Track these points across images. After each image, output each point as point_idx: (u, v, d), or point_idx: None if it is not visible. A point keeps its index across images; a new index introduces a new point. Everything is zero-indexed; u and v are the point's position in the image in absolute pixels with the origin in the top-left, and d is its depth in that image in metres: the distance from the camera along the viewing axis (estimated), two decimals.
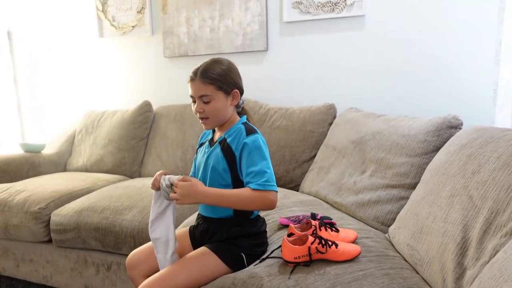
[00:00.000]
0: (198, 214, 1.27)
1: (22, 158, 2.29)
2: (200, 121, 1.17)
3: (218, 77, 1.12)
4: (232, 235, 1.16)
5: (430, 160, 1.32)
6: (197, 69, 1.13)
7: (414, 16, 1.97)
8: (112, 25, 2.66)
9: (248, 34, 2.32)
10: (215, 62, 1.14)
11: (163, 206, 1.15)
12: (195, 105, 1.14)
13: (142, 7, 2.57)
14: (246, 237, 1.17)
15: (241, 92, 1.18)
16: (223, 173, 1.14)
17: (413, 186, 1.35)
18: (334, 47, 2.16)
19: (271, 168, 1.09)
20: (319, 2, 2.13)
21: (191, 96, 1.15)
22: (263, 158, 1.08)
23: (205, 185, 1.16)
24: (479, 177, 0.95)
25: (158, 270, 1.18)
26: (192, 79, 1.13)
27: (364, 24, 2.08)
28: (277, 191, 1.06)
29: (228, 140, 1.14)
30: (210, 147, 1.20)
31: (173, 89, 2.59)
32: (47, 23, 2.83)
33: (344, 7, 2.09)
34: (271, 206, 1.06)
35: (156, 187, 1.13)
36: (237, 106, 1.21)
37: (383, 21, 2.03)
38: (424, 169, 1.32)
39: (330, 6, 2.11)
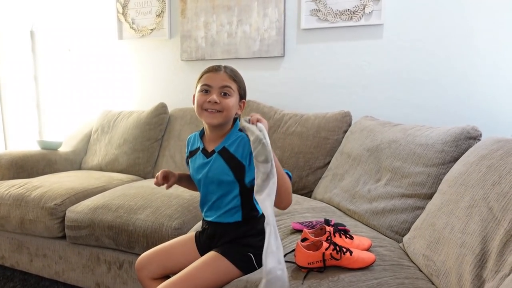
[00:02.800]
0: (203, 220, 1.24)
1: (39, 154, 2.34)
2: (204, 113, 1.09)
3: (240, 79, 1.14)
4: (239, 235, 1.16)
5: (448, 171, 1.30)
6: (218, 65, 1.14)
7: (433, 26, 1.96)
8: (132, 28, 2.71)
9: (265, 40, 2.33)
10: (236, 69, 1.16)
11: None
12: (208, 96, 1.08)
13: (162, 11, 2.61)
14: (253, 237, 1.16)
15: (245, 104, 1.19)
16: (232, 185, 1.11)
17: (429, 196, 1.33)
18: (351, 55, 2.16)
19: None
20: (337, 10, 2.14)
21: (207, 85, 1.09)
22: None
23: (211, 198, 1.15)
24: (500, 188, 0.94)
25: (164, 273, 1.18)
26: (217, 70, 1.10)
27: (382, 33, 2.08)
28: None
29: (231, 150, 1.10)
30: (207, 158, 1.14)
31: (189, 92, 2.62)
32: (69, 23, 2.90)
33: (362, 16, 2.09)
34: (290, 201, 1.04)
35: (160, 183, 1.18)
36: None
37: (402, 30, 2.03)
38: (441, 179, 1.30)
39: (348, 14, 2.12)
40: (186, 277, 1.08)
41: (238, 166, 1.09)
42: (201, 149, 1.17)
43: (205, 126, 1.17)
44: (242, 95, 1.15)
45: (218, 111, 1.09)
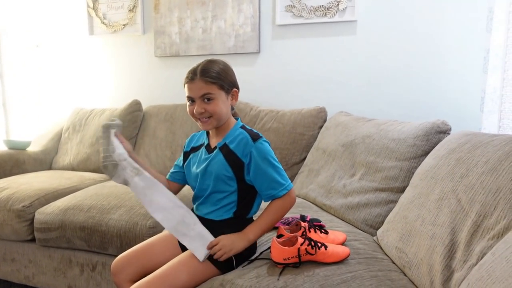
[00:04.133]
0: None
1: (6, 155, 2.24)
2: (199, 122, 1.13)
3: (219, 76, 1.10)
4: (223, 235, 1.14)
5: (419, 164, 1.33)
6: (195, 69, 1.10)
7: (404, 22, 2.00)
8: (103, 23, 2.64)
9: (240, 36, 2.32)
10: (212, 62, 1.12)
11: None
12: (195, 106, 1.10)
13: (134, 6, 2.55)
14: None
15: (238, 90, 1.17)
16: (228, 181, 1.12)
17: (401, 190, 1.36)
18: (325, 51, 2.18)
19: (280, 166, 1.12)
20: (311, 6, 2.15)
21: (189, 97, 1.11)
22: (272, 165, 1.10)
23: (206, 192, 1.15)
24: (467, 181, 0.96)
25: (143, 275, 1.16)
26: (192, 79, 1.09)
27: (356, 29, 2.10)
28: (292, 186, 1.13)
29: (231, 147, 1.11)
30: (208, 154, 1.16)
31: (163, 89, 2.57)
32: (36, 18, 2.79)
33: (336, 12, 2.11)
34: (294, 202, 1.14)
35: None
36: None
37: (375, 27, 2.06)
38: (413, 173, 1.33)
39: (322, 10, 2.13)
40: (161, 276, 1.06)
41: (238, 163, 1.10)
42: (205, 145, 1.19)
43: None
44: (228, 88, 1.12)
45: (209, 117, 1.11)
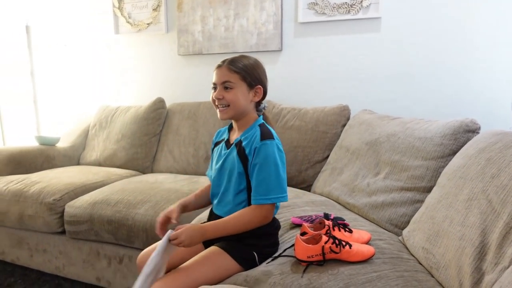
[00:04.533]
0: (211, 211, 1.26)
1: (37, 150, 2.33)
2: (217, 109, 1.15)
3: (244, 68, 1.12)
4: (244, 235, 1.14)
5: (446, 164, 1.31)
6: (226, 59, 1.14)
7: (431, 19, 1.95)
8: (128, 22, 2.69)
9: (262, 34, 2.32)
10: (243, 56, 1.16)
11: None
12: (215, 92, 1.14)
13: (158, 5, 2.59)
14: (258, 238, 1.16)
15: (265, 92, 1.18)
16: (239, 177, 1.13)
17: (428, 190, 1.33)
18: (349, 49, 2.16)
19: (281, 174, 1.07)
20: (334, 3, 2.13)
21: (214, 83, 1.15)
22: (269, 168, 1.07)
23: (221, 189, 1.17)
24: (499, 181, 0.94)
25: (168, 270, 1.18)
26: (219, 66, 1.14)
27: (380, 27, 2.07)
28: (273, 204, 1.08)
29: (243, 143, 1.13)
30: (227, 149, 1.19)
31: (186, 86, 2.61)
32: (65, 18, 2.87)
33: (360, 9, 2.08)
34: (265, 221, 1.09)
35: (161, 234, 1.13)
36: (257, 109, 1.21)
37: (400, 23, 2.02)
38: (440, 172, 1.31)
39: (345, 7, 2.11)
40: (186, 272, 1.07)
41: (245, 159, 1.11)
42: (225, 140, 1.22)
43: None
44: (252, 82, 1.13)
45: (227, 106, 1.13)
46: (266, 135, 1.10)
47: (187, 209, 1.25)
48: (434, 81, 1.99)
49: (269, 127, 1.16)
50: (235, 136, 1.19)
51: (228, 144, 1.20)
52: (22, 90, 2.84)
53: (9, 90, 2.84)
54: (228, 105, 1.12)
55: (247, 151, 1.11)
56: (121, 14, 2.70)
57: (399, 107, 2.06)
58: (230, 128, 1.25)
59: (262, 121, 1.18)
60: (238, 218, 1.08)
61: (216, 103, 1.15)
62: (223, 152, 1.20)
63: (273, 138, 1.10)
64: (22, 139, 2.83)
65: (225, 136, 1.24)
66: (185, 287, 1.05)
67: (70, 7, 2.85)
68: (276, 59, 2.34)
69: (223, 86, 1.12)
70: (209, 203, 1.29)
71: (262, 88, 1.16)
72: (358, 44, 2.13)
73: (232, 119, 1.19)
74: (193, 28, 2.50)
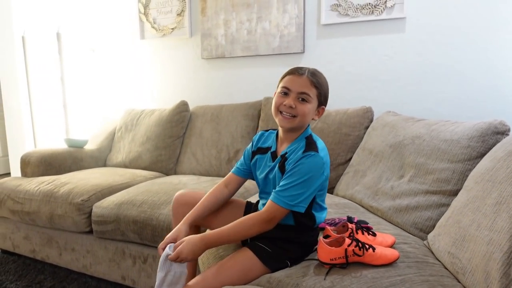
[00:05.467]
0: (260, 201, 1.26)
1: (66, 152, 2.42)
2: (279, 116, 1.10)
3: (323, 86, 1.11)
4: (282, 237, 1.13)
5: (474, 167, 1.27)
6: (302, 68, 1.11)
7: (457, 18, 1.91)
8: (153, 27, 2.76)
9: (285, 36, 2.33)
10: (321, 73, 1.13)
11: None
12: (286, 98, 1.09)
13: (182, 10, 2.64)
14: (295, 244, 1.14)
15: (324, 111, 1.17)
16: None
17: (454, 193, 1.30)
18: (372, 50, 2.13)
19: (309, 189, 1.04)
20: (358, 4, 2.11)
21: (286, 88, 1.10)
22: (298, 177, 1.04)
23: (269, 197, 1.11)
24: None
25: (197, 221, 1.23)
26: (300, 74, 1.09)
27: (404, 27, 2.04)
28: (283, 208, 1.05)
29: (288, 156, 1.11)
30: (272, 161, 1.17)
31: (209, 89, 2.65)
32: (93, 25, 2.98)
33: (384, 9, 2.06)
34: (267, 225, 1.06)
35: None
36: None
37: (425, 23, 1.99)
38: (467, 175, 1.27)
39: (369, 8, 2.09)
40: (215, 274, 1.07)
41: (285, 171, 1.10)
42: (271, 151, 1.19)
43: (279, 127, 1.18)
44: (322, 102, 1.13)
45: (293, 116, 1.09)
46: (310, 146, 1.08)
47: (195, 223, 1.23)
48: (460, 81, 1.94)
49: (316, 138, 1.14)
50: (282, 148, 1.16)
51: (274, 156, 1.18)
52: (52, 95, 2.95)
53: (41, 95, 2.97)
54: (295, 116, 1.09)
55: (287, 164, 1.09)
56: (147, 19, 2.78)
57: (424, 108, 2.02)
58: (277, 136, 1.22)
59: (310, 132, 1.16)
60: (241, 224, 1.06)
61: (282, 109, 1.10)
62: (268, 163, 1.19)
63: (317, 151, 1.07)
64: (52, 142, 2.94)
65: (272, 146, 1.20)
66: None
67: (97, 14, 2.95)
68: (298, 62, 2.34)
69: (299, 96, 1.08)
70: (217, 208, 1.26)
71: (324, 109, 1.16)
72: (382, 45, 2.11)
73: (292, 130, 1.14)
74: (216, 32, 2.54)
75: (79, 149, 2.51)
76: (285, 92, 1.10)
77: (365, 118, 1.93)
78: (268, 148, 1.21)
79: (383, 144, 1.68)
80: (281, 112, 1.11)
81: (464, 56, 1.92)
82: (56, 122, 2.99)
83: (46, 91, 2.98)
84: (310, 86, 1.08)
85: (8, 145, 3.03)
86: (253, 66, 2.47)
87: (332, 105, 2.21)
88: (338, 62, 2.23)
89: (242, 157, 1.30)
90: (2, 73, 2.92)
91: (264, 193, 1.24)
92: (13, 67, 2.85)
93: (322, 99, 1.12)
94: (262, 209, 1.08)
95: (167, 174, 2.41)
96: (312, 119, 1.14)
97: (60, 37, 2.84)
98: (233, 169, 1.31)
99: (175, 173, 2.43)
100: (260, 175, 1.22)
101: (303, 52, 2.30)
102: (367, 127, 1.92)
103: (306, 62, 2.31)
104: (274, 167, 1.15)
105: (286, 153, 1.12)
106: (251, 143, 1.29)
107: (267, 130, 1.29)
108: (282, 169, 1.11)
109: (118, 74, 2.97)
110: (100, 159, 2.60)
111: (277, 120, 1.13)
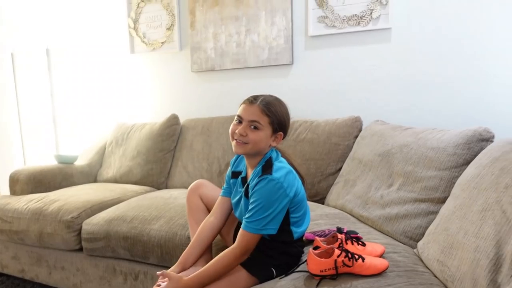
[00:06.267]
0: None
1: (56, 169, 2.40)
2: (234, 142, 1.15)
3: (276, 115, 1.14)
4: (266, 247, 1.17)
5: (460, 174, 1.29)
6: (257, 96, 1.15)
7: (443, 27, 1.95)
8: (143, 42, 2.77)
9: (273, 48, 2.36)
10: (276, 100, 1.17)
11: None
12: (239, 126, 1.14)
13: (172, 24, 2.66)
14: (281, 254, 1.17)
15: (283, 138, 1.20)
16: None
17: (442, 201, 1.31)
18: (360, 60, 2.16)
19: (270, 214, 1.07)
20: (344, 16, 2.15)
21: (239, 116, 1.15)
22: (257, 202, 1.07)
23: (241, 219, 1.17)
24: None
25: (210, 201, 1.34)
26: (251, 102, 1.14)
27: (390, 37, 2.08)
28: (255, 234, 1.09)
29: (249, 181, 1.16)
30: (242, 187, 1.21)
31: (199, 102, 2.66)
32: (82, 40, 2.98)
33: (370, 21, 2.09)
34: (242, 256, 1.10)
35: None
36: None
37: (410, 33, 2.02)
38: (454, 183, 1.29)
39: (355, 19, 2.12)
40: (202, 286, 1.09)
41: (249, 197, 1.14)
42: (242, 176, 1.24)
43: None
44: (277, 128, 1.15)
45: (244, 143, 1.13)
46: (265, 171, 1.11)
47: (187, 266, 1.25)
48: (446, 90, 1.97)
49: (278, 160, 1.15)
50: (250, 171, 1.21)
51: (244, 181, 1.22)
52: (42, 111, 2.94)
53: (30, 112, 2.95)
54: (247, 143, 1.13)
55: (250, 190, 1.13)
56: (136, 34, 2.79)
57: (412, 117, 2.04)
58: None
59: (271, 156, 1.17)
60: (218, 263, 1.10)
61: (236, 137, 1.14)
62: (239, 189, 1.23)
63: (271, 173, 1.09)
64: (42, 158, 2.92)
65: (243, 171, 1.25)
66: None
67: (87, 29, 2.96)
68: (287, 73, 2.36)
69: (250, 124, 1.12)
70: (211, 241, 1.29)
71: (282, 135, 1.18)
72: (369, 55, 2.14)
73: (248, 155, 1.19)
74: (206, 45, 2.56)
75: (69, 165, 2.49)
76: (239, 121, 1.15)
77: (354, 128, 1.95)
78: (239, 173, 1.26)
79: (372, 153, 1.69)
80: (235, 140, 1.15)
81: (450, 64, 1.95)
82: (46, 138, 2.97)
83: (35, 108, 2.97)
84: (261, 114, 1.12)
85: None
86: (243, 78, 2.48)
87: (321, 115, 2.23)
88: (327, 73, 2.25)
89: (225, 180, 1.34)
90: None
91: (239, 216, 1.26)
92: (2, 84, 2.84)
93: (277, 126, 1.15)
94: (235, 243, 1.11)
95: (159, 188, 2.40)
96: (270, 145, 1.17)
97: (49, 53, 2.85)
98: (221, 192, 1.34)
99: (167, 187, 2.42)
100: (233, 200, 1.26)
101: (291, 63, 2.33)
102: (356, 137, 1.94)
103: (295, 73, 2.33)
104: (243, 194, 1.19)
105: (247, 179, 1.17)
106: (230, 166, 1.34)
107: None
108: (246, 196, 1.16)
109: (109, 89, 2.97)
110: (90, 174, 2.58)
111: (232, 146, 1.17)
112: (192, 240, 1.28)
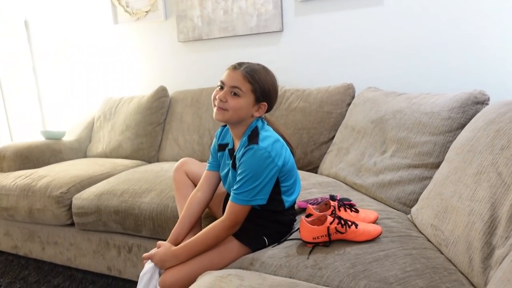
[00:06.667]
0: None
1: (43, 145, 2.34)
2: (215, 108, 1.10)
3: (259, 82, 1.08)
4: (256, 216, 1.15)
5: (455, 138, 1.27)
6: (243, 63, 1.11)
7: None
8: (126, 11, 2.65)
9: (262, 15, 2.26)
10: (264, 69, 1.12)
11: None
12: (221, 91, 1.09)
13: None
14: (272, 222, 1.16)
15: (269, 109, 1.14)
16: None
17: (436, 166, 1.30)
18: (351, 25, 2.09)
19: (258, 184, 1.04)
20: None
21: (222, 82, 1.10)
22: (245, 173, 1.04)
23: (231, 189, 1.12)
24: (509, 152, 0.90)
25: (195, 177, 1.33)
26: (235, 68, 1.10)
27: (383, 0, 2.00)
28: (243, 206, 1.06)
29: (235, 153, 1.12)
30: (230, 159, 1.18)
31: (188, 73, 2.58)
32: (63, 12, 2.85)
33: None
34: (231, 229, 1.09)
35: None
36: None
37: None
38: (448, 147, 1.27)
39: None
40: (195, 260, 1.09)
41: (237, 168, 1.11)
42: (228, 147, 1.20)
43: None
44: (260, 97, 1.10)
45: (224, 109, 1.08)
46: (251, 140, 1.07)
47: (178, 242, 1.22)
48: (440, 53, 1.92)
49: (263, 129, 1.11)
50: (236, 143, 1.17)
51: (231, 153, 1.18)
52: (25, 86, 2.84)
53: (13, 87, 2.85)
54: (226, 110, 1.08)
55: (237, 162, 1.09)
56: (119, 3, 2.66)
57: (405, 82, 2.00)
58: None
59: (256, 125, 1.12)
60: (207, 234, 1.09)
61: (216, 103, 1.10)
62: (226, 161, 1.20)
63: (257, 143, 1.05)
64: (28, 135, 2.85)
65: (229, 142, 1.21)
66: (192, 272, 1.06)
67: (68, 1, 2.82)
68: (277, 40, 2.28)
69: (231, 90, 1.08)
70: (199, 215, 1.27)
71: (266, 106, 1.13)
72: (361, 20, 2.06)
73: (226, 123, 1.16)
74: (192, 13, 2.45)
75: (57, 141, 2.43)
76: (221, 86, 1.11)
77: (347, 95, 1.91)
78: (226, 145, 1.22)
79: (365, 120, 1.66)
80: (215, 106, 1.10)
81: (444, 28, 1.89)
82: (32, 114, 2.89)
83: (18, 83, 2.86)
84: (243, 81, 1.07)
85: None
86: (232, 47, 2.40)
87: (314, 83, 2.18)
88: (318, 39, 2.18)
89: (210, 153, 1.29)
90: None
91: (228, 189, 1.23)
92: None
93: (259, 95, 1.09)
94: (224, 215, 1.09)
95: (150, 162, 2.36)
96: (253, 115, 1.12)
97: (28, 25, 2.72)
98: (206, 167, 1.30)
99: (158, 160, 2.39)
100: (222, 172, 1.23)
101: (281, 30, 2.25)
102: (349, 104, 1.90)
103: (285, 40, 2.26)
104: (229, 164, 1.16)
105: (235, 150, 1.14)
106: (215, 139, 1.28)
107: (224, 126, 1.27)
108: (234, 167, 1.12)
109: (93, 62, 2.87)
110: (80, 150, 2.53)
111: (213, 112, 1.12)
112: (181, 216, 1.26)
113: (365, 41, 2.07)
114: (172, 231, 1.24)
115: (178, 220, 1.25)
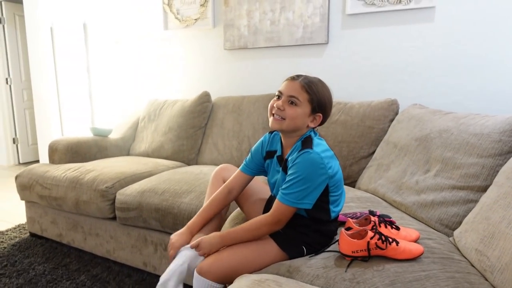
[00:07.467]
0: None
1: (91, 141, 2.48)
2: (271, 117, 1.14)
3: (317, 94, 1.11)
4: (298, 224, 1.16)
5: (505, 162, 1.22)
6: (301, 75, 1.15)
7: (489, 6, 1.82)
8: (176, 18, 2.77)
9: (308, 27, 2.29)
10: (320, 82, 1.15)
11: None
12: (278, 101, 1.13)
13: (205, 1, 2.64)
14: (314, 232, 1.16)
15: (323, 121, 1.17)
16: None
17: (483, 189, 1.26)
18: (399, 41, 2.07)
19: (308, 187, 1.05)
20: None
21: (279, 92, 1.14)
22: (296, 175, 1.06)
23: None
24: None
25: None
26: (293, 79, 1.13)
27: (433, 16, 1.97)
28: (289, 207, 1.08)
29: (289, 160, 1.13)
30: (279, 165, 1.20)
31: (231, 80, 2.65)
32: (117, 16, 3.02)
33: None
34: (274, 226, 1.10)
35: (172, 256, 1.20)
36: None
37: (455, 12, 1.91)
38: (497, 171, 1.23)
39: None
40: (232, 252, 1.12)
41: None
42: (277, 154, 1.23)
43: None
44: (316, 108, 1.12)
45: (282, 118, 1.12)
46: (305, 145, 1.09)
47: (195, 232, 1.27)
48: (491, 73, 1.85)
49: (316, 138, 1.14)
50: (286, 152, 1.19)
51: (280, 160, 1.21)
52: (79, 85, 3.02)
53: (68, 85, 3.04)
54: (284, 119, 1.11)
55: (288, 166, 1.12)
56: (170, 10, 2.79)
57: (452, 101, 1.95)
58: (281, 140, 1.24)
59: (309, 134, 1.15)
60: (250, 224, 1.12)
61: (274, 112, 1.13)
62: (276, 168, 1.23)
63: (311, 147, 1.07)
64: (78, 130, 3.02)
65: (277, 149, 1.23)
66: (229, 267, 1.09)
67: (122, 5, 2.99)
68: (321, 52, 2.30)
69: (289, 99, 1.11)
70: (217, 212, 1.31)
71: (321, 117, 1.15)
72: (409, 36, 2.04)
73: (281, 132, 1.19)
74: (239, 22, 2.52)
75: (104, 138, 2.57)
76: (279, 96, 1.14)
77: (390, 111, 1.89)
78: (274, 152, 1.24)
79: (408, 137, 1.63)
80: (273, 115, 1.14)
81: (496, 46, 1.83)
82: (82, 111, 3.06)
83: (73, 82, 3.05)
84: (301, 91, 1.10)
85: (37, 134, 3.14)
86: (276, 57, 2.44)
87: (356, 97, 2.17)
88: (363, 53, 2.18)
89: (250, 155, 1.32)
90: (32, 63, 3.01)
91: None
92: (42, 58, 2.94)
93: (316, 106, 1.12)
94: (270, 211, 1.11)
95: (189, 164, 2.44)
96: (308, 126, 1.14)
97: (86, 28, 2.90)
98: (241, 167, 1.32)
99: (197, 163, 2.46)
100: (271, 180, 1.25)
101: (327, 42, 2.26)
102: (391, 120, 1.88)
103: (330, 53, 2.27)
104: (279, 171, 1.18)
105: (287, 158, 1.15)
106: (260, 144, 1.30)
107: (270, 133, 1.30)
108: (285, 171, 1.14)
109: (142, 65, 3.01)
110: (124, 148, 2.65)
111: (269, 122, 1.15)
112: (202, 207, 1.31)
113: (412, 58, 2.05)
114: (191, 222, 1.28)
115: (198, 212, 1.30)
